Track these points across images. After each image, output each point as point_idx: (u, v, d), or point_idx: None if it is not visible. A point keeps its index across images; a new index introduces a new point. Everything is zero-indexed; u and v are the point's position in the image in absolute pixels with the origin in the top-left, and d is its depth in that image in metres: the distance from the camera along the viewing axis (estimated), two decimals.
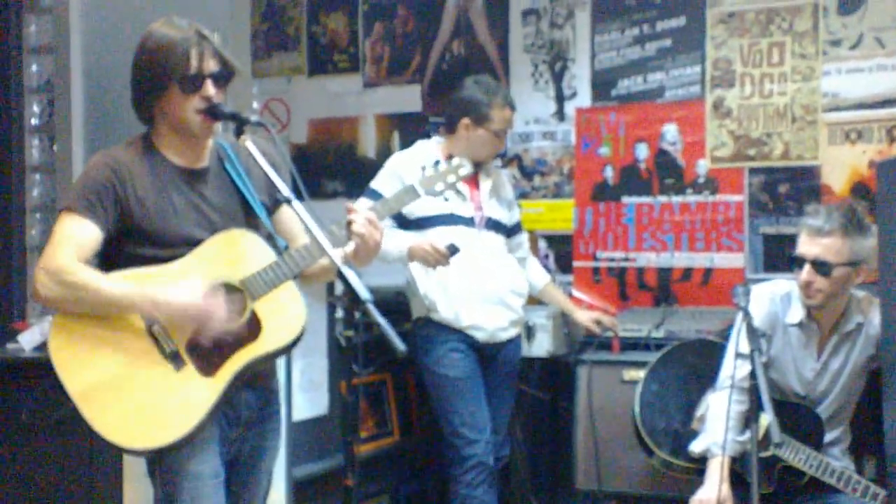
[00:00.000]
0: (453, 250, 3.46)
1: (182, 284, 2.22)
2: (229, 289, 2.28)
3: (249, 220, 2.39)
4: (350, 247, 2.36)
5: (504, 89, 3.82)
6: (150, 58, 2.28)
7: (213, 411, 2.24)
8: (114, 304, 2.21)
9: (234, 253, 2.30)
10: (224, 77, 2.31)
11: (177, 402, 2.22)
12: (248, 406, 2.38)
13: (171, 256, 2.27)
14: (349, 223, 2.32)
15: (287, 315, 2.31)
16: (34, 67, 4.63)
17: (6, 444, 3.37)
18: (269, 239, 2.39)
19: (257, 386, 2.40)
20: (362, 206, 2.42)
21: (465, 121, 3.69)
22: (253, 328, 2.27)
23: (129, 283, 2.22)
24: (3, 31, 4.46)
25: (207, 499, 2.28)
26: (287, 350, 2.35)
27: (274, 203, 2.44)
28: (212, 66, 2.28)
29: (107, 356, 2.22)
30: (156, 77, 2.28)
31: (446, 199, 3.34)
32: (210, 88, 2.28)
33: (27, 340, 3.56)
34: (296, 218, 2.41)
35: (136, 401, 2.21)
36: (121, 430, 2.19)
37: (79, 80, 4.59)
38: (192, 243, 2.29)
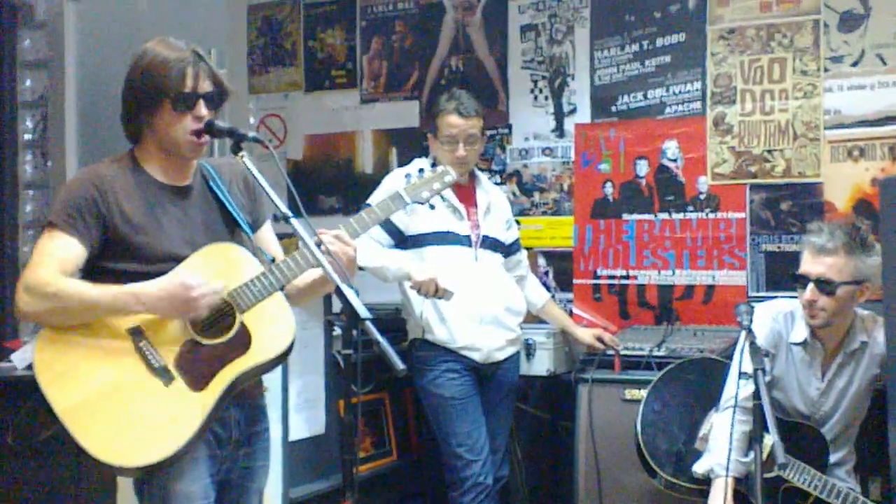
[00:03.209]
0: (449, 297, 3.45)
1: (166, 277, 2.21)
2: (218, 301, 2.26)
3: (233, 236, 2.39)
4: (304, 279, 2.38)
5: (464, 99, 3.68)
6: (145, 75, 2.28)
7: (205, 426, 2.21)
8: (96, 305, 2.18)
9: (220, 265, 2.28)
10: (217, 98, 2.33)
11: (167, 417, 2.18)
12: (238, 425, 2.36)
13: (155, 272, 2.24)
14: (318, 242, 2.30)
15: (276, 326, 2.29)
16: (28, 82, 4.61)
17: None
18: (255, 254, 2.38)
19: (245, 403, 2.38)
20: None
21: (429, 134, 3.76)
22: (242, 340, 2.25)
23: (111, 287, 2.20)
24: None
25: None
26: (278, 361, 2.32)
27: (254, 223, 2.47)
28: (206, 86, 2.29)
29: (93, 372, 2.19)
30: (149, 94, 2.28)
31: (432, 207, 3.32)
32: (202, 109, 2.29)
33: (19, 359, 3.51)
34: (273, 238, 2.50)
35: (125, 417, 2.17)
36: (110, 448, 2.14)
37: (73, 96, 4.57)
38: (177, 259, 2.27)
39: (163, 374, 2.21)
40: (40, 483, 3.28)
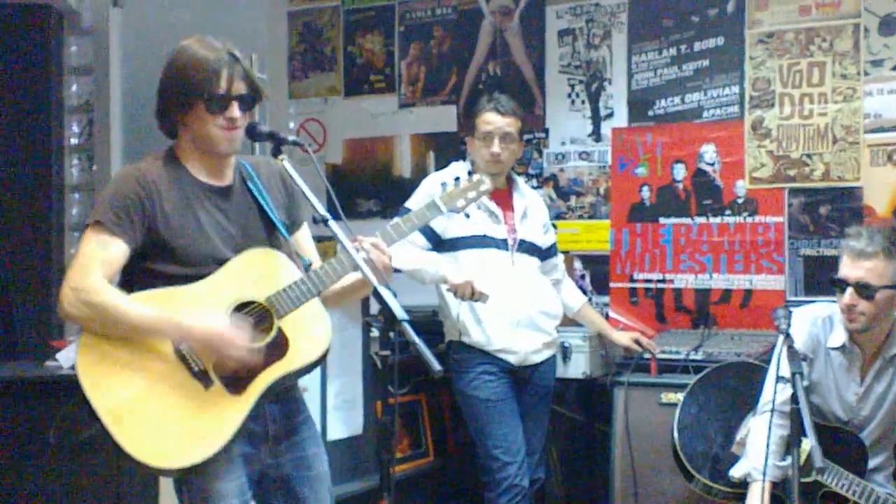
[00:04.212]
0: (485, 300, 3.47)
1: (207, 314, 2.21)
2: (256, 307, 2.28)
3: (271, 238, 2.38)
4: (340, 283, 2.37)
5: (503, 99, 3.70)
6: (180, 73, 2.28)
7: (242, 429, 2.24)
8: (140, 329, 2.21)
9: (260, 272, 2.30)
10: (251, 101, 2.32)
11: (206, 420, 2.21)
12: (274, 420, 2.37)
13: (194, 274, 2.26)
14: (358, 249, 2.30)
15: (313, 332, 2.31)
16: (74, 87, 4.69)
17: (37, 462, 3.39)
18: (292, 257, 2.39)
19: (281, 399, 2.39)
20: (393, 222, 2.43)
21: (468, 137, 3.77)
22: (280, 346, 2.27)
23: (156, 308, 2.21)
24: (44, 51, 4.52)
25: None
26: (313, 366, 2.34)
27: (291, 224, 2.47)
28: (240, 88, 2.28)
29: (135, 375, 2.21)
30: (183, 92, 2.27)
31: (467, 216, 3.34)
32: (236, 111, 2.28)
33: (64, 358, 3.58)
34: (310, 240, 2.49)
35: (166, 420, 2.20)
36: (151, 450, 2.18)
37: (117, 101, 4.63)
38: (217, 261, 2.28)
39: (202, 377, 2.23)
40: (82, 481, 3.33)
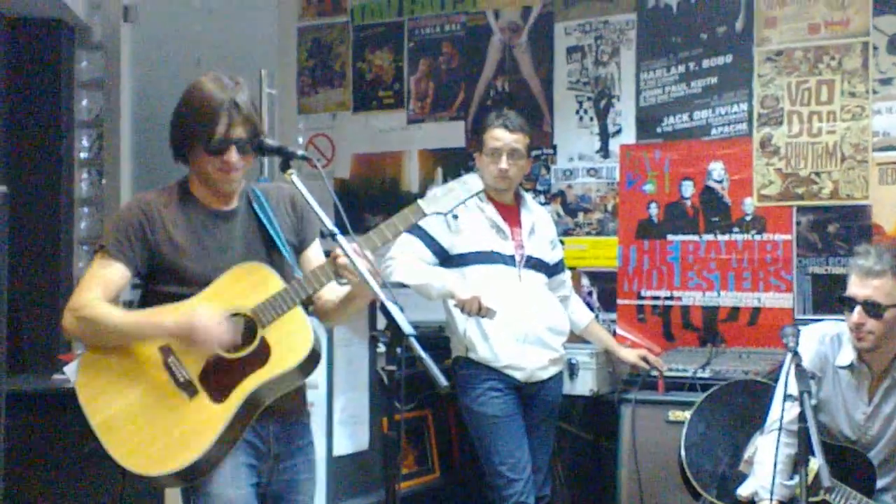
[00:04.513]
0: (492, 316, 3.47)
1: (183, 309, 2.33)
2: (242, 318, 2.36)
3: (272, 257, 2.46)
4: (334, 296, 2.47)
5: (511, 115, 3.71)
6: (185, 112, 2.38)
7: (224, 435, 2.32)
8: (125, 331, 2.34)
9: (246, 284, 2.38)
10: (249, 145, 2.38)
11: (188, 428, 2.32)
12: (277, 439, 2.45)
13: (194, 294, 2.38)
14: (334, 256, 2.35)
15: (293, 339, 2.37)
16: (84, 102, 4.71)
17: (44, 473, 3.40)
18: (288, 274, 2.44)
19: (286, 420, 2.47)
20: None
21: (476, 154, 3.77)
22: (262, 353, 2.35)
23: (140, 313, 2.37)
24: (56, 65, 4.55)
25: None
26: (298, 373, 2.39)
27: (300, 243, 2.55)
28: (239, 132, 2.35)
29: (126, 389, 2.35)
30: (185, 132, 2.39)
31: (455, 217, 3.32)
32: (234, 155, 2.36)
33: (72, 371, 3.56)
34: (321, 257, 2.55)
35: (152, 429, 2.32)
36: (136, 458, 2.31)
37: (128, 116, 4.66)
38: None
39: (187, 388, 2.34)
40: (88, 491, 3.34)
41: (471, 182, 2.53)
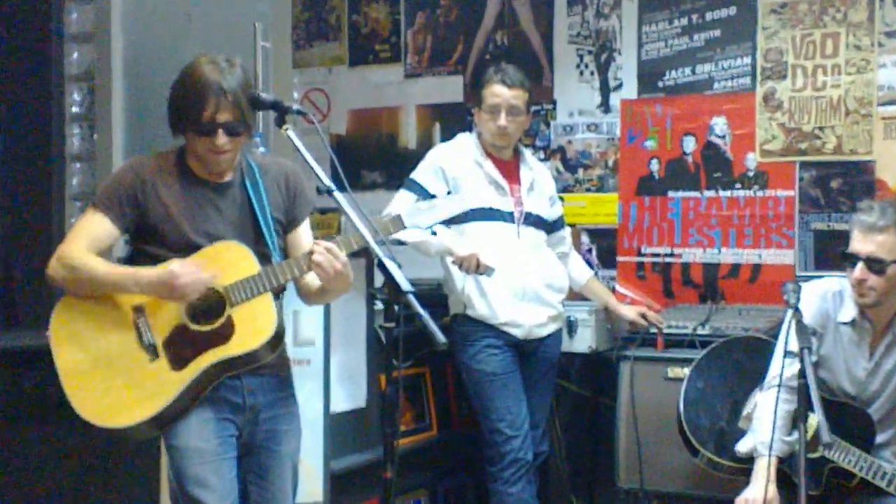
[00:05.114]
0: (490, 273, 3.45)
1: (162, 268, 2.42)
2: (213, 294, 2.44)
3: (258, 236, 2.53)
4: (311, 281, 2.54)
5: (510, 70, 3.66)
6: (178, 94, 2.45)
7: (175, 402, 2.42)
8: (104, 282, 2.43)
9: (223, 261, 2.46)
10: (237, 129, 2.43)
11: (144, 390, 2.43)
12: (252, 393, 2.53)
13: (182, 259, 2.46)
14: (311, 252, 2.42)
15: (257, 324, 2.45)
16: (75, 55, 4.65)
17: (36, 430, 3.40)
18: (267, 258, 2.50)
19: (263, 374, 2.54)
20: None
21: (475, 108, 3.74)
22: (226, 331, 2.44)
23: (122, 267, 2.47)
24: (45, 18, 4.49)
25: (213, 474, 2.45)
26: (253, 355, 2.46)
27: (289, 223, 2.61)
28: (225, 117, 2.40)
29: (93, 340, 2.45)
30: (177, 113, 2.46)
31: (433, 234, 3.36)
32: (221, 138, 2.42)
33: None
34: (309, 237, 2.64)
35: (110, 382, 2.43)
36: (90, 408, 2.42)
37: (119, 69, 4.60)
38: (198, 249, 2.47)
39: (150, 350, 2.44)
40: (80, 447, 3.35)
41: (456, 202, 2.61)
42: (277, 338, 2.49)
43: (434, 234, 3.42)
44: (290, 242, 2.62)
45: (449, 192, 3.54)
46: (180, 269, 2.38)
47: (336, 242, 2.44)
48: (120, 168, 2.60)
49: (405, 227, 2.53)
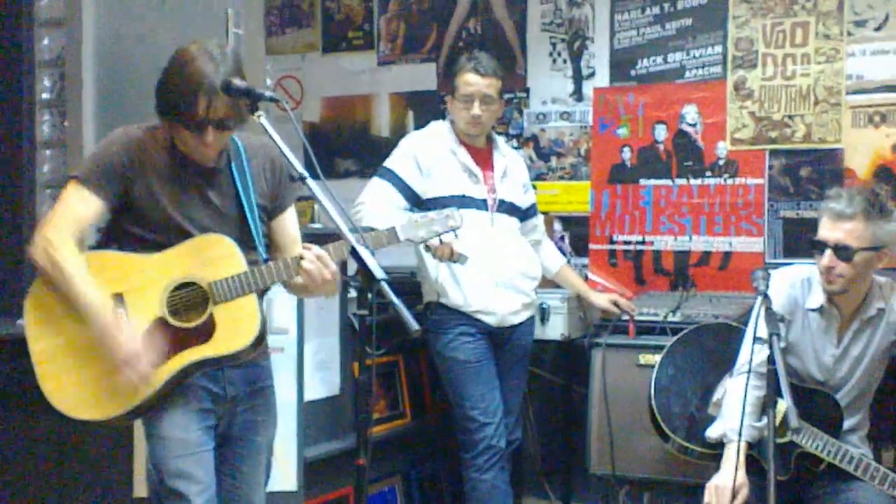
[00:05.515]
0: (463, 261, 3.44)
1: (129, 329, 2.33)
2: (197, 289, 2.38)
3: (243, 222, 2.47)
4: (299, 279, 2.46)
5: (483, 59, 3.66)
6: (167, 85, 2.34)
7: (150, 400, 2.36)
8: (75, 302, 2.32)
9: (210, 256, 2.39)
10: (228, 125, 2.37)
11: (118, 384, 2.33)
12: (232, 383, 2.49)
13: (164, 242, 2.39)
14: (300, 258, 2.39)
15: (240, 326, 2.40)
16: (45, 41, 4.58)
17: (7, 419, 3.37)
18: (251, 247, 2.45)
19: (242, 364, 2.50)
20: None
21: (448, 97, 3.74)
22: (207, 330, 2.38)
23: (97, 293, 2.32)
24: (15, 3, 4.42)
25: (195, 465, 2.40)
26: (236, 356, 2.42)
27: (274, 209, 2.56)
28: (218, 113, 2.32)
29: (69, 324, 2.35)
30: (167, 104, 2.35)
31: (427, 249, 3.36)
32: (210, 135, 2.34)
33: None
34: (294, 224, 2.59)
35: (83, 373, 2.35)
36: (63, 399, 2.35)
37: (90, 55, 4.53)
38: (185, 235, 2.40)
39: None
40: (53, 437, 3.32)
41: (454, 219, 2.62)
42: (260, 338, 2.45)
43: (428, 249, 3.41)
44: (275, 228, 2.57)
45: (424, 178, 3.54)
46: (138, 361, 2.30)
47: (327, 250, 2.40)
48: (107, 141, 2.46)
49: (399, 241, 2.53)
